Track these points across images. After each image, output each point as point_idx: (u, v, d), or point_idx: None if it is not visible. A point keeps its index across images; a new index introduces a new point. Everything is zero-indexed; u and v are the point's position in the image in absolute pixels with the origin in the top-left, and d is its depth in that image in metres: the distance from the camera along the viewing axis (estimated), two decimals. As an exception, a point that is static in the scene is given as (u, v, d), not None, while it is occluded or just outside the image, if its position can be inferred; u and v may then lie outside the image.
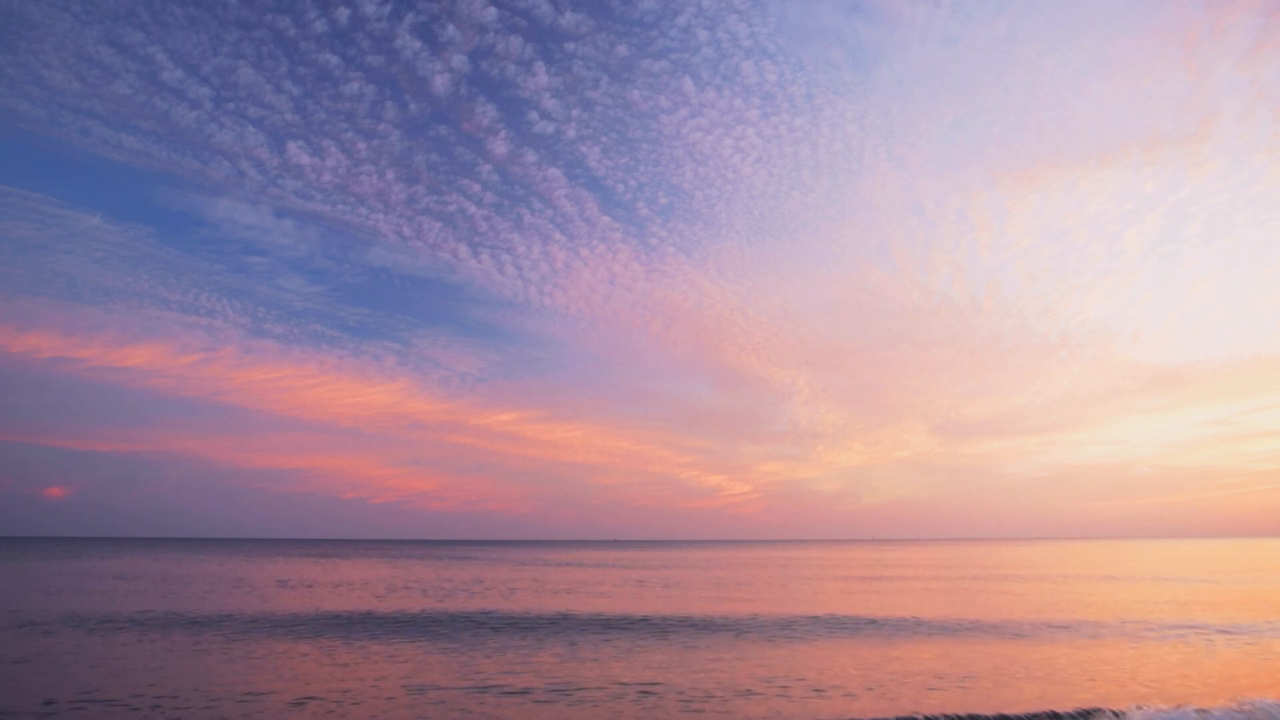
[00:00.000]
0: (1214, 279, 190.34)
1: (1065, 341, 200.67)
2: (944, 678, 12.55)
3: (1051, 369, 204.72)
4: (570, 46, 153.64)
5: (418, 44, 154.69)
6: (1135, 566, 51.67)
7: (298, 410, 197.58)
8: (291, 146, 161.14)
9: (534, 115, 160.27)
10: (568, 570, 45.80)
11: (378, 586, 30.74)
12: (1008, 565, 54.22)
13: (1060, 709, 10.14)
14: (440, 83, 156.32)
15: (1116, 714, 9.83)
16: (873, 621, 18.70)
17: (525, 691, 11.52)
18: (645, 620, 18.66)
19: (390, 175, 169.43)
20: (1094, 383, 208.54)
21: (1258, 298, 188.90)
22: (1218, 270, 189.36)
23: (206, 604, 22.36)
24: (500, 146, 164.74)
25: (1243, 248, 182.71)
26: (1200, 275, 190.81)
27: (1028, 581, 34.81)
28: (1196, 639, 16.18)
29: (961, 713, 9.96)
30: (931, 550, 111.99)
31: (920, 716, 9.80)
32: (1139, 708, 10.00)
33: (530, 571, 43.74)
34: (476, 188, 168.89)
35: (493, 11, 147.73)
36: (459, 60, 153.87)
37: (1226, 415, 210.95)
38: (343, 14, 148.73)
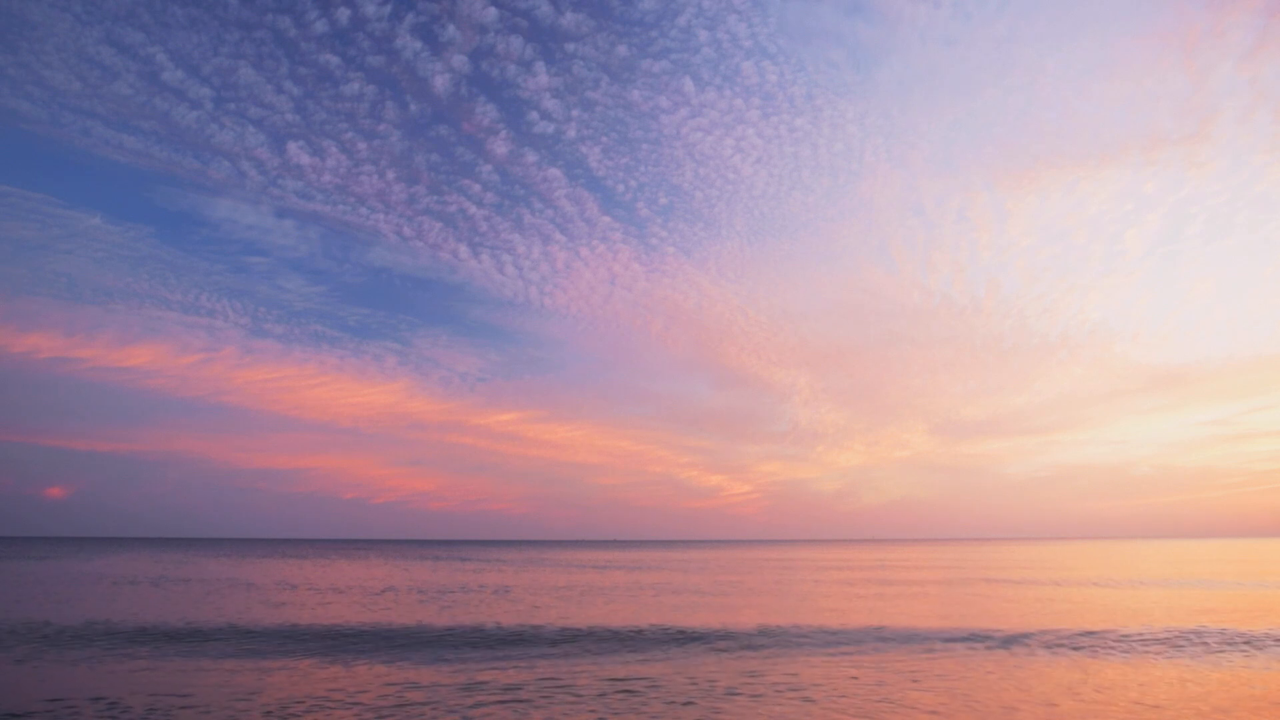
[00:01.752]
0: (1214, 279, 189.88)
1: (1065, 341, 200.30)
2: (947, 698, 12.44)
3: (1051, 369, 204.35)
4: (570, 47, 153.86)
5: (418, 44, 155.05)
6: (1144, 569, 51.37)
7: (298, 410, 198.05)
8: (292, 147, 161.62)
9: (534, 115, 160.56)
10: (565, 573, 45.67)
11: (373, 591, 30.65)
12: (1012, 567, 53.93)
13: None
14: (440, 83, 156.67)
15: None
16: (878, 631, 18.39)
17: (514, 687, 11.48)
18: (645, 631, 18.48)
19: (390, 175, 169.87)
20: (1094, 383, 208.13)
21: (1258, 298, 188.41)
22: (1218, 270, 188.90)
23: (196, 612, 22.30)
24: (500, 147, 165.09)
25: (1243, 248, 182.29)
26: (1200, 275, 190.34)
27: (1039, 586, 34.09)
28: (1229, 654, 15.36)
29: None
30: (932, 550, 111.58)
31: None
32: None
33: (528, 576, 43.62)
34: (477, 188, 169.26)
35: (493, 12, 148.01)
36: (459, 60, 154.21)
37: (1226, 415, 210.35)
38: (343, 14, 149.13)
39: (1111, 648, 15.42)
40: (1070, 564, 57.24)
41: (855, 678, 12.31)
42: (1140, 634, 17.09)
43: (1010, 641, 16.02)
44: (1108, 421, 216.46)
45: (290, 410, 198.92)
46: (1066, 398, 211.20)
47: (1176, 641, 16.15)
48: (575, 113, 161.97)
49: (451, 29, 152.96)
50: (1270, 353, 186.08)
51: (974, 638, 16.42)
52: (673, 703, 10.70)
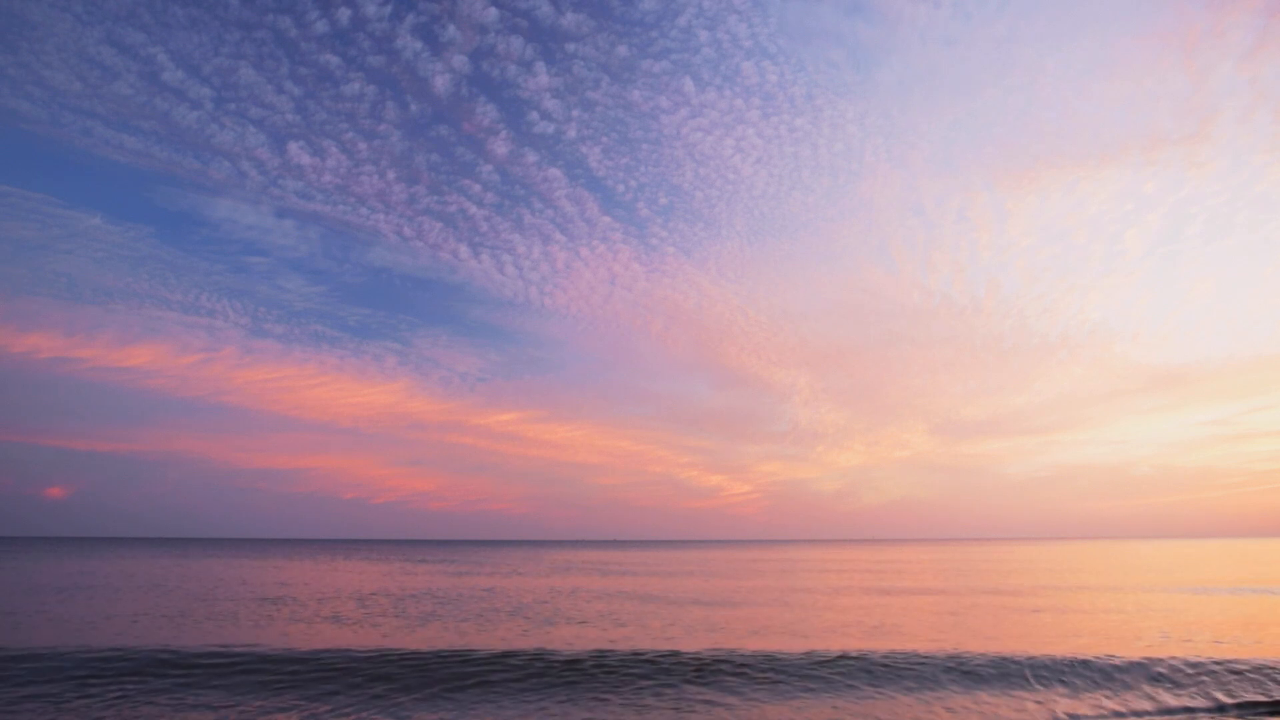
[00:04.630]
0: (1214, 279, 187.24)
1: (1065, 341, 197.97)
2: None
3: (1051, 369, 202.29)
4: (571, 47, 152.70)
5: (418, 44, 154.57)
6: (1165, 572, 49.25)
7: (298, 410, 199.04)
8: (292, 147, 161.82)
9: (534, 115, 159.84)
10: (553, 577, 44.22)
11: (361, 599, 29.18)
12: (1021, 571, 51.96)
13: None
14: (441, 83, 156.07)
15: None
16: (895, 659, 16.37)
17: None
18: (643, 657, 16.64)
19: (391, 175, 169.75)
20: (1094, 383, 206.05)
21: (1258, 298, 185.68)
22: (1218, 270, 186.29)
23: (177, 629, 20.84)
24: (501, 147, 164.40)
25: (1243, 248, 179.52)
26: (1200, 275, 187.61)
27: (1061, 591, 31.65)
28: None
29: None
30: (934, 551, 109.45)
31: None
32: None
33: (515, 581, 42.22)
34: (477, 188, 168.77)
35: (493, 12, 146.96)
36: (459, 61, 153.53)
37: (1226, 415, 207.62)
38: (344, 14, 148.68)
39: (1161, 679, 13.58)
40: (1077, 566, 55.10)
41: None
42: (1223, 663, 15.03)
43: (1040, 670, 14.16)
44: (1108, 421, 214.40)
45: (290, 410, 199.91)
46: (1066, 398, 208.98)
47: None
48: (575, 113, 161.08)
49: (452, 29, 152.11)
50: (1270, 353, 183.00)
51: (991, 667, 14.58)
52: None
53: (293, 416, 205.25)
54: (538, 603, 27.44)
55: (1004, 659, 15.09)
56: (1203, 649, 16.70)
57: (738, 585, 37.17)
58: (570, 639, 18.02)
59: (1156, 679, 13.82)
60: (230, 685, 13.21)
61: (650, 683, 13.70)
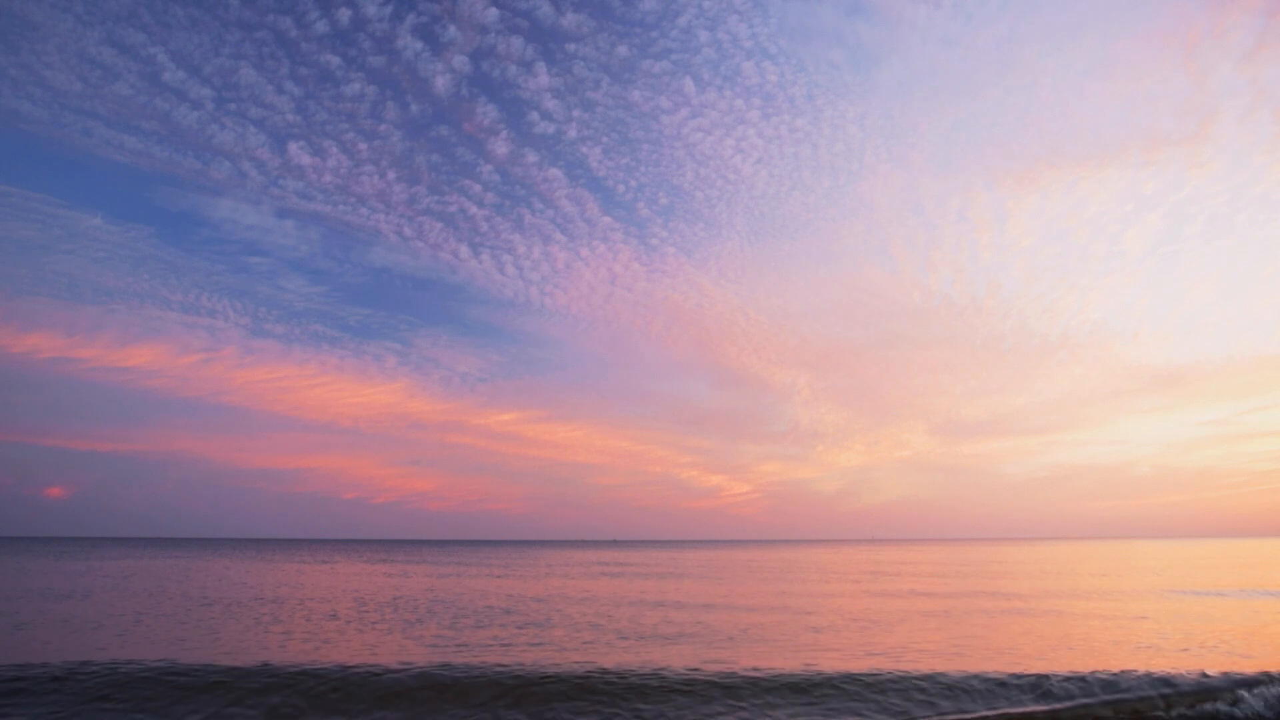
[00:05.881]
0: (1214, 279, 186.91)
1: (1065, 341, 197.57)
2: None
3: (1051, 369, 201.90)
4: (571, 47, 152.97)
5: (419, 45, 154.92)
6: (1163, 574, 49.08)
7: (298, 410, 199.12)
8: (293, 147, 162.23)
9: (535, 116, 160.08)
10: (557, 581, 44.28)
11: (360, 601, 29.31)
12: (1020, 573, 51.81)
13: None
14: (441, 83, 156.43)
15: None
16: (881, 677, 16.33)
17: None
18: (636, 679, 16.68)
19: (391, 176, 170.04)
20: (1094, 383, 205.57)
21: (1258, 298, 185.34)
22: (1218, 270, 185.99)
23: (175, 638, 20.92)
24: (501, 147, 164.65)
25: (1243, 248, 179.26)
26: (1200, 275, 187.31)
27: (1080, 598, 30.52)
28: None
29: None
30: (934, 551, 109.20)
31: None
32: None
33: (507, 583, 42.27)
34: (477, 188, 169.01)
35: (494, 12, 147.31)
36: (460, 61, 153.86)
37: (1226, 415, 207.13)
38: (344, 15, 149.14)
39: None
40: (1076, 568, 54.96)
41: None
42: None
43: (1033, 683, 14.14)
44: (1108, 421, 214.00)
45: (290, 410, 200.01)
46: (1066, 398, 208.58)
47: None
48: (576, 113, 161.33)
49: (452, 29, 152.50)
50: (1270, 353, 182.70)
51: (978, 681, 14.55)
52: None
53: (293, 416, 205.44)
54: (533, 601, 27.52)
55: (988, 676, 15.11)
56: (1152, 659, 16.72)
57: (734, 588, 37.22)
58: (556, 648, 18.08)
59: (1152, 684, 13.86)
60: (218, 702, 13.30)
61: (634, 698, 13.78)
